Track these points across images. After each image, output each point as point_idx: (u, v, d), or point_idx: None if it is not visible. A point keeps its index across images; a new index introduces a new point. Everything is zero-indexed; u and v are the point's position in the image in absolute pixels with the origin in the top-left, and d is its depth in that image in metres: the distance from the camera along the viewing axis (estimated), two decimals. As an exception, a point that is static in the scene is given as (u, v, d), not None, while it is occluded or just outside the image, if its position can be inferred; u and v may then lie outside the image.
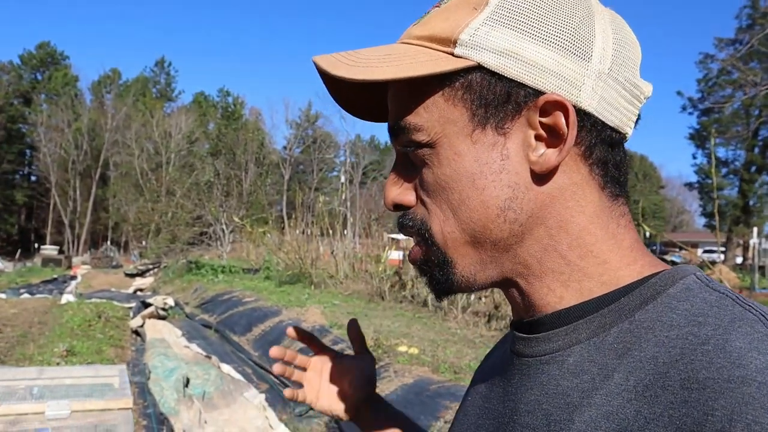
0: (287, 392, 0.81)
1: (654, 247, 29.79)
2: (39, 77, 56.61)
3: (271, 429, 4.71)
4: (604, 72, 0.48)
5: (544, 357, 0.49)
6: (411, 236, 0.54)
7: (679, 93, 43.52)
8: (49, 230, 49.76)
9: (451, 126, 0.49)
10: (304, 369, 0.83)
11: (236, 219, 21.25)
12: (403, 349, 6.27)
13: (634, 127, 0.52)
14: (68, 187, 48.57)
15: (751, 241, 21.45)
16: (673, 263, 0.54)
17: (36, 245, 42.99)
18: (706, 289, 0.45)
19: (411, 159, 0.52)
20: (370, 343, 5.70)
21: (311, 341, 0.83)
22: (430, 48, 0.49)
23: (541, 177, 0.48)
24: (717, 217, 11.48)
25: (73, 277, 22.61)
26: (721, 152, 35.38)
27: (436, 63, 0.47)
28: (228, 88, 75.86)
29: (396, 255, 13.56)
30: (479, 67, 0.47)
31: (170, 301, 11.34)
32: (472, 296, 9.04)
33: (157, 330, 8.81)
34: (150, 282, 19.49)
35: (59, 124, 48.86)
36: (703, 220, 47.40)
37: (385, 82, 0.50)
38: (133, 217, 39.24)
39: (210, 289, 13.29)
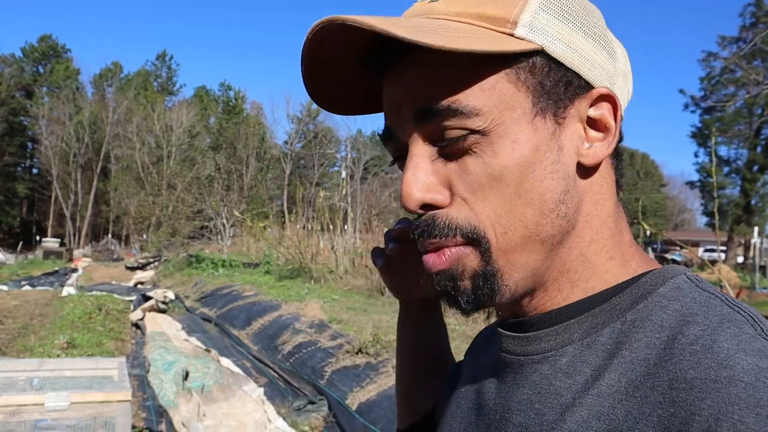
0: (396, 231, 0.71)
1: (655, 246, 29.79)
2: (41, 70, 56.48)
3: (269, 422, 4.73)
4: (626, 72, 0.50)
5: (537, 356, 0.48)
6: (437, 242, 0.46)
7: (681, 91, 43.61)
8: (51, 223, 49.80)
9: (509, 111, 0.44)
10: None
11: (237, 213, 21.25)
12: (402, 344, 6.27)
13: None
14: (69, 179, 48.56)
15: (753, 241, 21.45)
16: (674, 262, 0.54)
17: (37, 238, 43.00)
18: (695, 290, 0.45)
19: (446, 150, 0.45)
20: (369, 338, 5.70)
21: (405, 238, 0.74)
22: (481, 26, 0.44)
23: (586, 170, 0.47)
24: (717, 216, 11.49)
25: (74, 270, 22.60)
26: (724, 151, 35.41)
27: (499, 41, 0.43)
28: (229, 83, 76.01)
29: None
30: (540, 52, 0.45)
31: (170, 295, 11.34)
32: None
33: (157, 323, 8.84)
34: (150, 275, 19.50)
35: (61, 117, 48.79)
36: (704, 219, 47.49)
37: (460, 54, 0.41)
38: (134, 210, 39.25)
39: (210, 283, 13.29)
